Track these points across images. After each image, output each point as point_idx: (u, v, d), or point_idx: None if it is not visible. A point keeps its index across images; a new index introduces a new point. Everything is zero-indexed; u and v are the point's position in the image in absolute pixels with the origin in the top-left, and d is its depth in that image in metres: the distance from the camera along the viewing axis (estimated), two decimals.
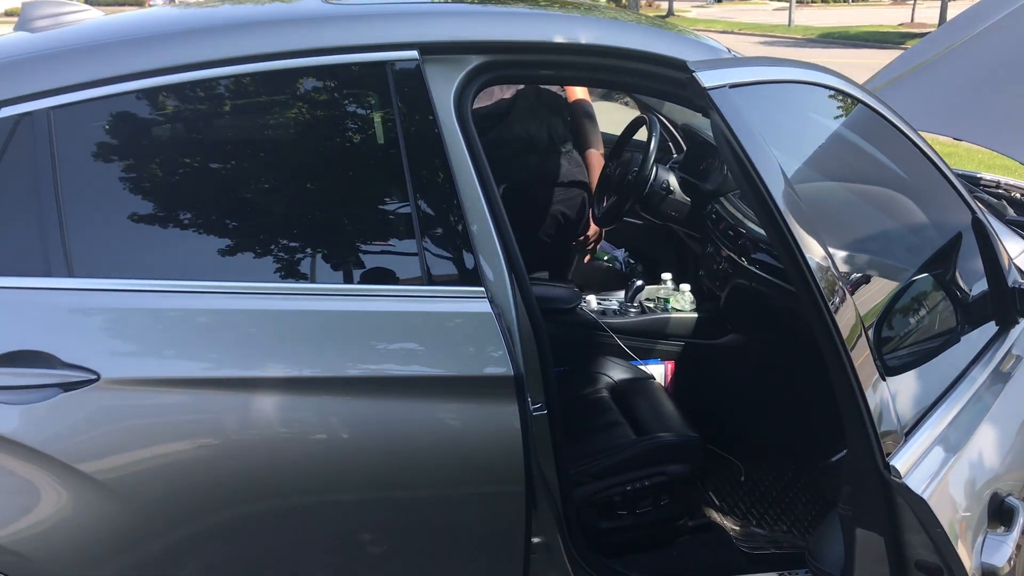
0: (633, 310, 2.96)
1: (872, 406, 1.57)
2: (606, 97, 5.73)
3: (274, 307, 1.69)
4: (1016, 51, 2.97)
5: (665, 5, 42.42)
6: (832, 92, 1.82)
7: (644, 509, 2.29)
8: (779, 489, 2.69)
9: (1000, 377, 1.85)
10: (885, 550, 1.62)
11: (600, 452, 2.31)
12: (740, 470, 2.72)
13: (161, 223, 1.72)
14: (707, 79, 1.61)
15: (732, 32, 29.73)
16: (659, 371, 2.83)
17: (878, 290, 1.75)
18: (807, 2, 52.41)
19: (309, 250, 1.78)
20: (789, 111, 1.85)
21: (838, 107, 1.90)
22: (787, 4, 34.16)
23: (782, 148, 1.69)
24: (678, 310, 2.94)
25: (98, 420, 1.59)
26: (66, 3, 2.08)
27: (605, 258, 3.78)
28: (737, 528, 2.49)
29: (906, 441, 1.62)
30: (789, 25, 30.97)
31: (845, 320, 1.57)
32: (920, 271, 1.79)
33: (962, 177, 3.11)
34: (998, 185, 3.06)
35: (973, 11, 3.46)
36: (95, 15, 2.09)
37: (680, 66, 1.77)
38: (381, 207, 1.82)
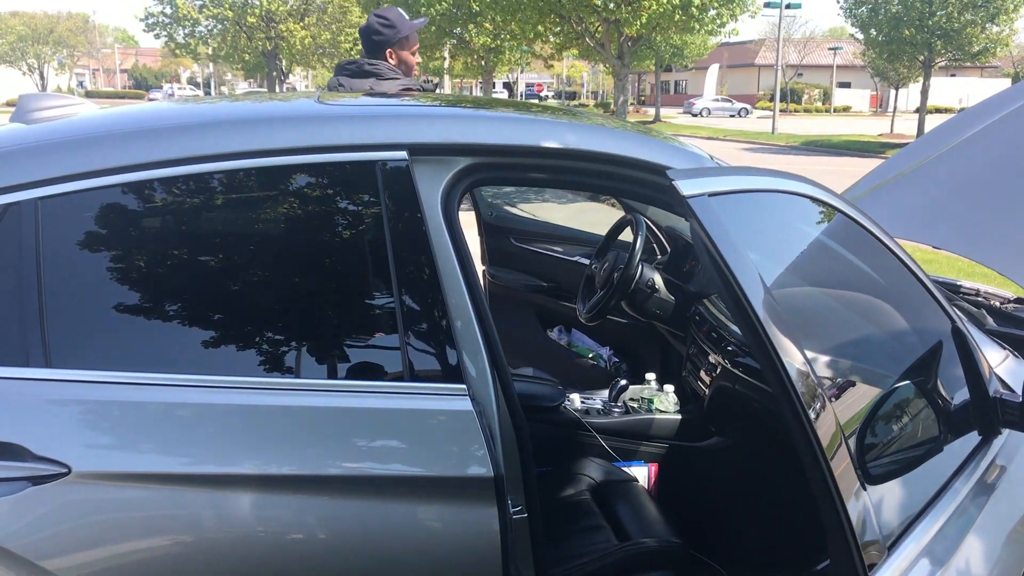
0: (617, 410, 2.94)
1: (853, 516, 1.55)
2: (593, 198, 5.83)
3: (253, 402, 1.66)
4: (993, 162, 3.05)
5: (652, 111, 43.53)
6: (811, 201, 1.85)
7: None
8: None
9: (984, 488, 1.84)
10: None
11: (581, 557, 2.25)
12: (722, 575, 2.66)
13: (143, 316, 1.71)
14: (686, 188, 1.64)
15: (717, 139, 30.47)
16: (642, 473, 2.79)
17: (860, 396, 1.75)
18: (790, 110, 53.98)
19: (292, 344, 1.77)
20: (769, 219, 1.88)
21: (818, 215, 1.93)
22: (771, 112, 35.13)
23: (762, 255, 1.71)
24: (662, 411, 2.93)
25: (66, 515, 1.54)
26: (61, 96, 2.11)
27: (590, 356, 3.78)
28: None
29: (890, 554, 1.59)
30: (773, 132, 31.83)
31: (825, 428, 1.56)
32: (902, 379, 1.79)
33: (942, 285, 3.15)
34: (978, 293, 3.10)
35: (951, 124, 3.57)
36: (90, 108, 2.12)
37: (661, 173, 1.81)
38: (366, 302, 1.82)
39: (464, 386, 1.72)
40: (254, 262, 1.80)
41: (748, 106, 52.41)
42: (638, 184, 1.94)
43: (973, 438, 1.92)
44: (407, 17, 4.09)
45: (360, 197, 1.83)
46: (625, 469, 2.75)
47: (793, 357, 1.58)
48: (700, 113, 49.62)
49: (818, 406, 1.58)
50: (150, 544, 1.58)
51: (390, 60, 3.94)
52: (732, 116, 49.97)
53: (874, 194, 3.30)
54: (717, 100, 52.13)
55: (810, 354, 1.62)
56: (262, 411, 1.66)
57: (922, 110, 28.18)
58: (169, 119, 1.93)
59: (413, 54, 4.01)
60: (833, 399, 1.64)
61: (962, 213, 2.87)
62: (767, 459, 2.66)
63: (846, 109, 58.88)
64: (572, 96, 77.47)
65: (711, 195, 1.64)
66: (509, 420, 1.79)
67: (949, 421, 1.82)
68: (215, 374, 1.68)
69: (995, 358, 2.08)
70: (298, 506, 1.63)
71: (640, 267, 2.95)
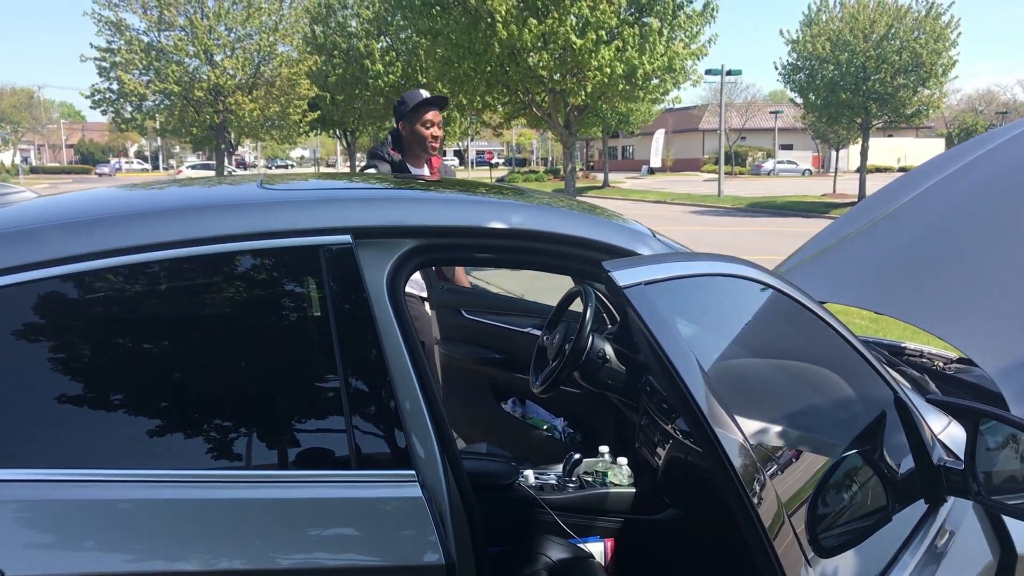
0: (571, 485, 2.92)
1: None
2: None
3: (199, 496, 1.62)
4: (929, 226, 3.13)
5: (601, 176, 44.26)
6: (746, 280, 1.88)
7: None
8: None
9: (934, 557, 1.85)
10: None
11: None
12: None
13: (80, 409, 1.66)
14: (622, 279, 1.66)
15: (665, 202, 31.01)
16: (598, 549, 2.76)
17: (806, 467, 1.76)
18: (735, 173, 55.27)
19: (237, 434, 1.73)
20: (707, 300, 1.90)
21: (754, 294, 1.96)
22: (716, 176, 35.88)
23: (701, 334, 1.73)
24: (616, 484, 2.91)
25: None
26: (3, 185, 2.09)
27: (544, 427, 3.76)
28: None
29: None
30: (719, 195, 32.46)
31: (767, 506, 1.57)
32: (848, 448, 1.81)
33: (886, 347, 3.20)
34: (922, 355, 3.16)
35: (888, 189, 3.67)
36: (28, 196, 2.10)
37: (604, 250, 1.84)
38: (311, 388, 1.80)
39: (413, 472, 1.70)
40: (197, 350, 1.77)
41: (811, 167, 55.27)
42: (582, 261, 1.96)
43: (921, 506, 1.93)
44: (423, 94, 4.42)
45: (304, 281, 1.82)
46: (581, 546, 2.72)
47: (732, 440, 1.60)
48: (770, 173, 54.57)
49: (758, 487, 1.58)
50: None
51: (403, 132, 4.38)
52: (799, 175, 54.16)
53: (816, 260, 3.37)
54: (782, 162, 56.75)
55: (756, 425, 1.63)
56: (208, 505, 1.62)
57: (862, 170, 29.05)
58: (109, 208, 1.92)
59: (425, 126, 4.35)
60: (779, 473, 1.65)
61: (900, 277, 2.93)
62: (721, 531, 2.65)
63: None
64: (523, 163, 78.54)
65: (647, 284, 1.66)
66: (460, 503, 1.76)
67: (896, 490, 1.83)
68: (158, 468, 1.64)
69: (938, 425, 2.11)
70: None
71: (591, 337, 2.96)
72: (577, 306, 3.23)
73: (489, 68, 16.63)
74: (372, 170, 4.30)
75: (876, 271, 3.09)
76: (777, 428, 1.81)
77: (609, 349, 3.04)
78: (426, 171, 4.42)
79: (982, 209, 2.96)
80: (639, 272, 1.67)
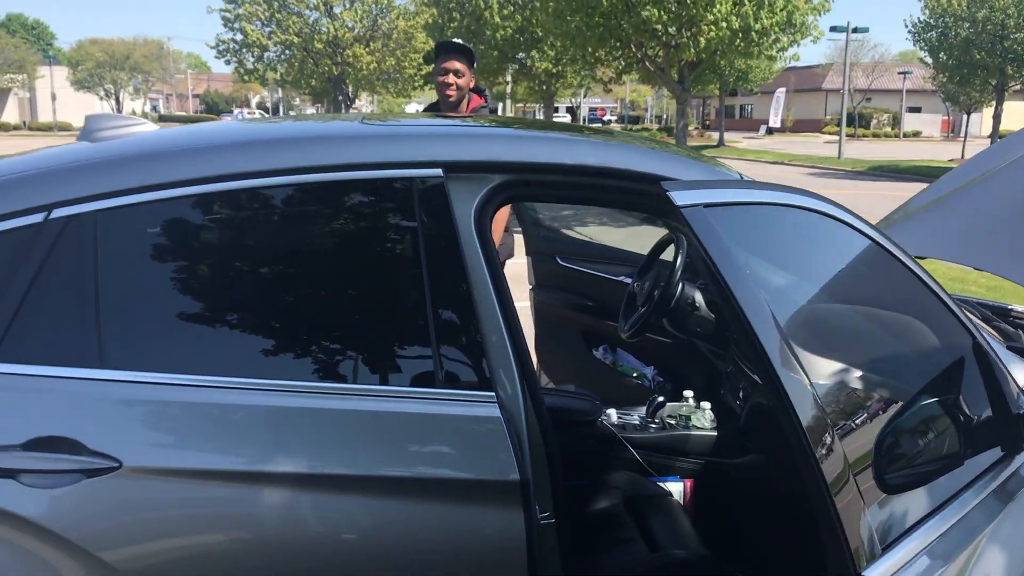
0: (654, 426, 2.98)
1: (865, 516, 1.58)
2: (648, 221, 5.82)
3: (301, 405, 1.75)
4: None
5: (716, 135, 43.26)
6: (821, 216, 1.87)
7: None
8: None
9: (1002, 498, 1.84)
10: None
11: (610, 567, 2.30)
12: None
13: (195, 321, 1.82)
14: (680, 198, 1.68)
15: (782, 163, 30.14)
16: (678, 488, 2.82)
17: (873, 409, 1.77)
18: (858, 135, 53.07)
19: (335, 351, 1.86)
20: (778, 234, 1.91)
21: (830, 231, 1.95)
22: (836, 137, 34.63)
23: (769, 270, 1.74)
24: (699, 428, 2.95)
25: (118, 507, 1.64)
26: (124, 117, 2.23)
27: (634, 375, 3.81)
28: None
29: (885, 554, 1.61)
30: (839, 157, 31.34)
31: (814, 427, 1.60)
32: (921, 393, 1.81)
33: (992, 309, 3.12)
34: None
35: (1000, 146, 3.54)
36: (149, 128, 2.25)
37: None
38: (402, 313, 1.90)
39: (493, 393, 1.79)
40: (305, 272, 1.89)
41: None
42: (664, 201, 2.00)
43: (995, 454, 1.92)
44: (446, 40, 4.28)
45: (397, 212, 1.91)
46: (660, 484, 2.78)
47: (794, 378, 1.62)
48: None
49: (809, 407, 1.61)
50: (197, 539, 1.68)
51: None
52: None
53: (920, 215, 3.30)
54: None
55: (827, 366, 1.65)
56: (309, 413, 1.74)
57: (994, 135, 27.58)
58: (220, 138, 2.05)
59: (442, 73, 4.18)
60: (844, 418, 1.66)
61: (1005, 234, 2.85)
62: (801, 477, 2.66)
63: (916, 134, 57.78)
64: (635, 120, 77.41)
65: (707, 206, 1.68)
66: (537, 427, 1.84)
67: (971, 436, 1.82)
68: (264, 378, 1.78)
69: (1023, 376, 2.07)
70: (335, 505, 1.71)
71: (681, 285, 2.99)
72: (669, 254, 3.26)
73: (601, 21, 16.41)
74: None
75: (978, 228, 3.01)
76: (849, 371, 1.82)
77: (699, 297, 3.05)
78: None
79: None
80: (700, 194, 1.70)
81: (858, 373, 1.84)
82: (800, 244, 1.97)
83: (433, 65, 4.54)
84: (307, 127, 2.18)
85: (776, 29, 15.50)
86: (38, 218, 1.77)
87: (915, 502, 1.73)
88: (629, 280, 3.81)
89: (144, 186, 1.81)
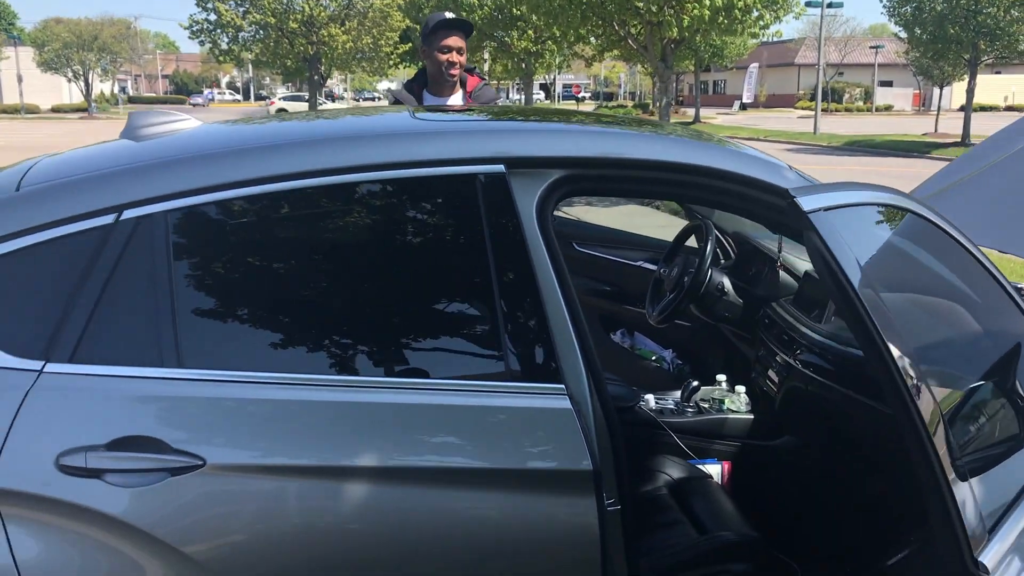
0: (690, 410, 3.03)
1: (960, 502, 1.63)
2: (640, 202, 5.83)
3: (373, 399, 1.78)
4: None
5: (692, 111, 43.36)
6: (903, 212, 1.94)
7: None
8: None
9: None
10: None
11: (663, 549, 2.35)
12: (796, 571, 2.74)
13: (263, 320, 1.84)
14: (807, 204, 1.74)
15: (758, 139, 30.24)
16: (716, 470, 2.88)
17: (948, 395, 1.82)
18: (831, 110, 53.37)
19: (407, 347, 1.89)
20: (866, 230, 1.96)
21: (901, 222, 2.01)
22: (812, 112, 34.80)
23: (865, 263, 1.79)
24: (733, 411, 3.01)
25: (202, 504, 1.67)
26: (167, 112, 2.23)
27: (653, 358, 3.86)
28: None
29: (991, 538, 1.67)
30: (815, 133, 31.52)
31: (930, 419, 1.66)
32: (983, 379, 1.87)
33: None
34: None
35: (1013, 128, 3.60)
36: (194, 124, 2.25)
37: (739, 181, 1.93)
38: (468, 307, 1.93)
39: (562, 385, 1.82)
40: (371, 270, 1.91)
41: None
42: (721, 193, 2.03)
43: None
44: (445, 16, 4.00)
45: (462, 208, 1.93)
46: (700, 467, 2.84)
47: (904, 356, 1.67)
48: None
49: (925, 401, 1.66)
50: (278, 530, 1.70)
51: (423, 58, 3.97)
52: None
53: (939, 197, 3.36)
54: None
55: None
56: (386, 408, 1.77)
57: (967, 108, 27.79)
58: (282, 137, 2.06)
59: (443, 51, 3.87)
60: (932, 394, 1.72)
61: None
62: (838, 457, 2.73)
63: (888, 108, 58.14)
64: (610, 97, 77.38)
65: (826, 210, 1.73)
66: (603, 416, 1.88)
67: None
68: (336, 374, 1.81)
69: None
70: (413, 496, 1.74)
71: (710, 271, 3.04)
72: (690, 241, 3.31)
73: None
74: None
75: (1001, 211, 3.08)
76: (925, 358, 1.88)
77: (727, 282, 3.11)
78: (457, 99, 4.05)
79: None
80: (820, 199, 1.75)
81: (928, 358, 1.90)
82: (881, 237, 2.02)
83: (411, 44, 4.38)
84: (368, 123, 2.19)
85: (759, 6, 15.57)
86: (109, 219, 1.78)
87: (995, 486, 1.79)
88: (648, 266, 3.86)
89: (212, 186, 1.82)
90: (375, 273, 1.92)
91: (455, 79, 4.00)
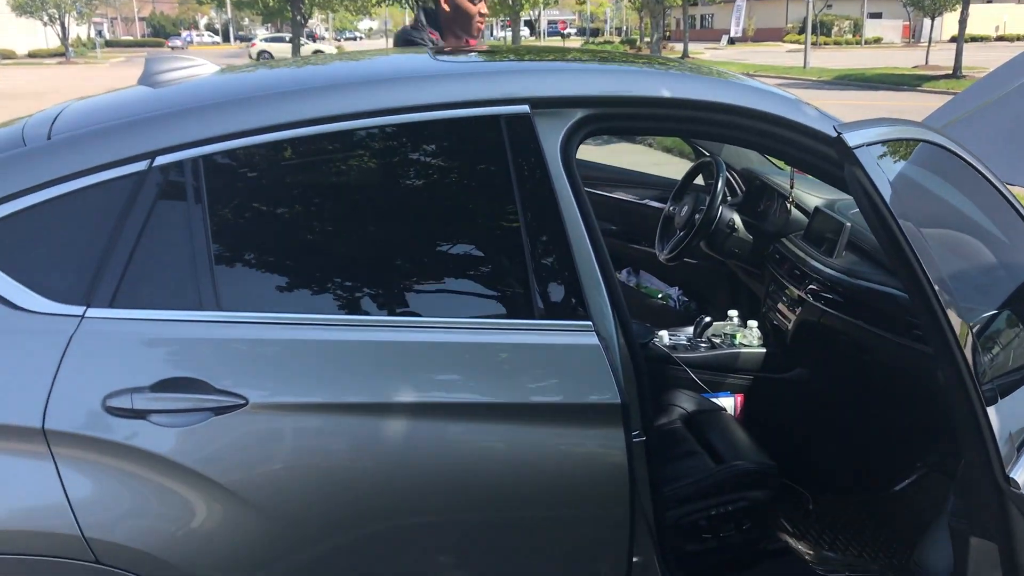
0: (703, 345, 3.09)
1: (992, 420, 1.70)
2: (628, 140, 5.80)
3: (407, 339, 1.82)
4: None
5: (679, 47, 42.89)
6: (931, 147, 1.97)
7: (727, 533, 2.40)
8: (847, 516, 2.80)
9: None
10: (999, 558, 1.73)
11: (682, 478, 2.42)
12: (808, 499, 2.83)
13: (298, 263, 1.87)
14: (852, 139, 1.78)
15: (748, 75, 30.02)
16: (729, 403, 2.95)
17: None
18: (820, 43, 52.85)
19: (438, 287, 1.92)
20: (894, 165, 2.00)
21: (934, 159, 2.05)
22: (801, 46, 34.47)
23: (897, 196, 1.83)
24: (745, 345, 3.07)
25: (246, 441, 1.72)
26: (183, 58, 2.23)
27: (659, 296, 3.92)
28: (812, 552, 2.59)
29: (1019, 456, 1.74)
30: (804, 67, 31.27)
31: (966, 344, 1.72)
32: (1003, 307, 1.92)
33: None
34: None
35: (1020, 59, 3.61)
36: (211, 69, 2.24)
37: (762, 118, 1.98)
38: (497, 247, 1.96)
39: (590, 322, 1.87)
40: (396, 212, 1.94)
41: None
42: (744, 130, 2.06)
43: None
44: None
45: (487, 149, 1.95)
46: (714, 400, 2.91)
47: (943, 288, 1.73)
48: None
49: (958, 325, 1.72)
50: (318, 467, 1.76)
51: (444, 8, 3.74)
52: None
53: (947, 130, 3.38)
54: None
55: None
56: (415, 347, 1.82)
57: (960, 40, 27.56)
58: (306, 82, 2.06)
59: (473, 1, 3.71)
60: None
61: None
62: (849, 388, 2.81)
63: (877, 41, 57.67)
64: (596, 32, 76.34)
65: (869, 145, 1.76)
66: (628, 352, 1.93)
67: None
68: (369, 314, 1.85)
69: None
70: (446, 432, 1.80)
71: (720, 208, 3.08)
72: (698, 181, 3.34)
73: None
74: None
75: (1007, 143, 3.11)
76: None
77: (737, 219, 3.15)
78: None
79: None
80: (863, 135, 1.78)
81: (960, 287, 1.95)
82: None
83: None
84: (392, 66, 2.19)
85: None
86: (142, 166, 1.79)
87: (1021, 407, 1.85)
88: (654, 204, 3.89)
89: (242, 131, 1.83)
90: (405, 215, 1.94)
91: (482, 30, 3.92)
